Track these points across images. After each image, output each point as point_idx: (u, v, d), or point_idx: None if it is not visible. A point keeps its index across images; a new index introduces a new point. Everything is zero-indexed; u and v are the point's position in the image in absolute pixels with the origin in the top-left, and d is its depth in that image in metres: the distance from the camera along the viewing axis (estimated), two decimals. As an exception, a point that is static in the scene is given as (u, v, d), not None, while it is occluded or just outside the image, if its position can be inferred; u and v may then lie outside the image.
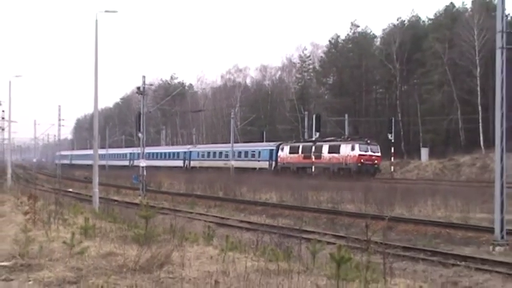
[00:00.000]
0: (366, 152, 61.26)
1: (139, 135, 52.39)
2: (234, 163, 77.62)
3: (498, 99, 22.30)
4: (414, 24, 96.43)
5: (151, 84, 67.96)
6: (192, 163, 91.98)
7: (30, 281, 10.01)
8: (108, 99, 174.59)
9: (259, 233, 17.71)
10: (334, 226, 25.38)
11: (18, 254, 11.99)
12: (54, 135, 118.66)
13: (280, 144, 75.07)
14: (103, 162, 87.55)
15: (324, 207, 34.04)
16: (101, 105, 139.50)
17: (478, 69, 73.00)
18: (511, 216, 24.03)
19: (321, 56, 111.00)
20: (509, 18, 71.27)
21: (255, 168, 74.37)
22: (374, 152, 62.11)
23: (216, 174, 65.28)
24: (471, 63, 74.56)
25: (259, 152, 78.49)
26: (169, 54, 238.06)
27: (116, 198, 40.88)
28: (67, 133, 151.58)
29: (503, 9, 22.58)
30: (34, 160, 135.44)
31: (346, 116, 79.70)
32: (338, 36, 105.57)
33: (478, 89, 73.00)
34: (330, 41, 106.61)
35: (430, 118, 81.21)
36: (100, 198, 33.14)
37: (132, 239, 14.38)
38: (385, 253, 10.88)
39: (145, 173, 47.23)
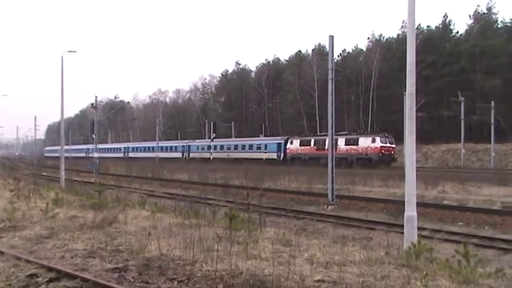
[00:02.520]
0: (385, 144, 50.57)
1: (93, 136, 52.40)
2: (243, 154, 63.53)
3: (329, 112, 23.12)
4: (276, 62, 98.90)
5: (101, 101, 66.91)
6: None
7: (16, 237, 9.67)
8: (70, 111, 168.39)
9: (176, 200, 17.59)
10: (226, 195, 25.36)
11: (6, 218, 11.58)
12: (32, 136, 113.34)
13: (288, 138, 61.47)
14: (67, 155, 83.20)
15: (219, 183, 34.00)
16: (66, 115, 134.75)
17: (316, 93, 75.09)
18: (338, 186, 25.01)
19: (216, 83, 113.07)
20: (335, 60, 74.24)
21: (261, 159, 60.26)
22: (391, 144, 51.37)
23: (147, 162, 64.49)
24: (312, 89, 76.62)
25: (266, 145, 63.47)
26: (113, 79, 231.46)
27: (76, 179, 39.21)
28: (41, 134, 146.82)
29: (333, 54, 23.43)
30: (16, 154, 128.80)
31: (233, 123, 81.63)
32: (227, 70, 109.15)
33: (316, 105, 75.11)
34: (222, 73, 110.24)
35: (287, 124, 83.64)
36: (66, 179, 32.08)
37: (89, 207, 14.07)
38: (260, 212, 11.04)
39: (97, 161, 45.93)
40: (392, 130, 53.16)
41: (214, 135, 71.09)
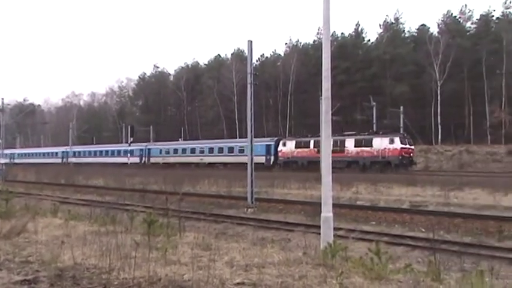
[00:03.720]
0: (405, 145, 44.33)
1: (-1, 141, 48.58)
2: (221, 159, 56.63)
3: (249, 116, 23.34)
4: (195, 66, 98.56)
5: (8, 104, 62.29)
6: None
7: None
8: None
9: (92, 206, 16.94)
10: (144, 200, 24.81)
11: None
12: None
13: (278, 139, 54.29)
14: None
15: (137, 188, 33.21)
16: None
17: (236, 97, 75.63)
18: (257, 189, 25.29)
19: (134, 86, 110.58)
20: (254, 64, 75.18)
21: (245, 164, 55.25)
22: (410, 145, 45.65)
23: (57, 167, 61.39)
24: (231, 93, 77.11)
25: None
26: (22, 81, 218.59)
27: (-20, 187, 36.58)
28: None
29: (251, 59, 23.69)
30: None
31: (151, 127, 79.97)
32: (145, 73, 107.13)
33: (236, 109, 75.62)
34: (139, 76, 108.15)
35: (207, 128, 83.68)
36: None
37: (-5, 216, 13.09)
38: (179, 216, 10.90)
39: (3, 168, 43.21)
40: (309, 133, 54.67)
41: (131, 139, 69.29)
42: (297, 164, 48.97)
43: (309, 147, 48.91)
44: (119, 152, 73.11)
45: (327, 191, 10.66)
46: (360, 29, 79.62)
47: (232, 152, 55.77)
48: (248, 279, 6.13)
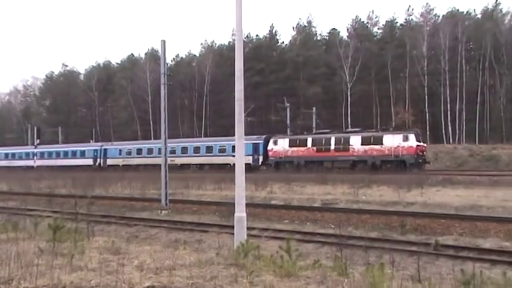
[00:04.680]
0: (420, 142, 40.78)
1: None
2: (197, 159, 51.51)
3: (162, 117, 23.04)
4: (107, 65, 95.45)
5: None
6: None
7: None
8: None
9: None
10: (51, 205, 23.65)
11: None
12: None
13: (268, 137, 48.57)
14: None
15: (44, 192, 31.61)
16: None
17: (150, 97, 74.22)
18: (172, 190, 25.02)
19: (40, 86, 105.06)
20: (168, 65, 74.24)
21: (227, 165, 45.87)
22: (423, 142, 42.49)
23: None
24: (145, 93, 75.56)
25: (233, 147, 49.65)
26: None
27: None
28: None
29: (165, 59, 23.41)
30: None
31: (60, 128, 76.79)
32: (52, 72, 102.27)
33: (150, 110, 74.20)
34: (46, 75, 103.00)
35: (120, 129, 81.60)
36: None
37: None
38: (88, 220, 10.56)
39: None
40: (225, 134, 54.76)
41: (38, 141, 65.64)
42: (291, 164, 44.60)
43: (306, 145, 44.64)
44: (73, 153, 64.47)
45: (240, 191, 10.80)
46: (274, 31, 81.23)
47: (211, 152, 50.79)
48: (158, 282, 6.07)
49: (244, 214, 10.55)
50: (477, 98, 59.52)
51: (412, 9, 73.10)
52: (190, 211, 21.79)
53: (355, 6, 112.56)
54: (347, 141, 42.19)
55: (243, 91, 11.22)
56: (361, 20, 74.47)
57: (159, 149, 52.05)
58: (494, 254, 11.60)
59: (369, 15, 74.82)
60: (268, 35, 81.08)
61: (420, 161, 39.74)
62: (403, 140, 39.68)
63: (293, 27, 79.66)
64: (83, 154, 62.50)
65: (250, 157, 46.25)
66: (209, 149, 51.20)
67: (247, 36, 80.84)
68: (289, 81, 70.99)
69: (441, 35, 59.92)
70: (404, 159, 39.20)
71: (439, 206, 20.58)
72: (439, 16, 68.19)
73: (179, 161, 50.30)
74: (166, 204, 22.10)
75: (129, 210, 22.74)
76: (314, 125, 57.27)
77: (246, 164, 32.96)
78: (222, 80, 70.10)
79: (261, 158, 47.17)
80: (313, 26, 78.33)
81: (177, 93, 74.58)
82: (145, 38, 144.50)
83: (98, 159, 60.64)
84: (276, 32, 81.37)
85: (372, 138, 41.42)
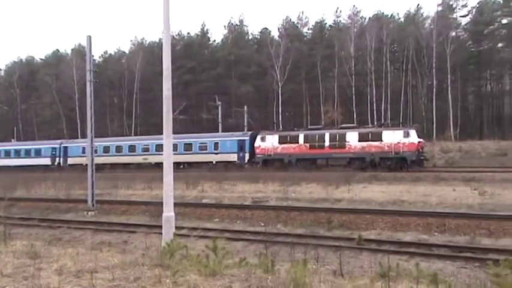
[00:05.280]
0: (420, 138, 38.97)
1: None
2: (175, 157, 47.59)
3: (88, 115, 22.34)
4: (30, 61, 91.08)
5: None
6: None
7: None
8: None
9: None
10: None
11: None
12: None
13: (255, 134, 45.58)
14: None
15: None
16: None
17: (77, 95, 71.68)
18: (100, 191, 24.33)
19: None
20: (96, 61, 72.19)
21: (210, 163, 45.15)
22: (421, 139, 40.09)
23: None
24: (72, 91, 72.86)
25: (218, 144, 46.20)
26: None
27: None
28: None
29: (91, 55, 22.72)
30: None
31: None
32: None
33: (77, 108, 71.66)
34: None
35: (44, 127, 78.39)
36: None
37: None
38: (4, 223, 10.06)
39: None
40: (155, 133, 53.86)
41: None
42: (281, 161, 42.33)
43: (297, 142, 42.17)
44: (26, 152, 58.07)
45: (168, 190, 10.73)
46: (205, 30, 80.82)
47: (190, 150, 47.18)
48: (78, 286, 5.90)
49: (173, 213, 10.48)
50: (401, 98, 62.21)
51: (340, 11, 75.44)
52: (118, 212, 21.31)
53: (286, 6, 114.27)
54: (343, 137, 40.30)
55: (171, 90, 11.12)
56: (292, 21, 75.68)
57: (130, 147, 50.18)
58: (413, 247, 12.20)
59: (299, 16, 76.26)
60: (199, 33, 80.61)
61: (422, 158, 38.69)
62: (404, 136, 38.12)
63: (225, 26, 79.73)
64: (38, 153, 57.02)
65: (235, 154, 45.07)
66: (188, 147, 47.34)
67: (178, 34, 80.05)
68: (221, 79, 70.95)
69: (367, 36, 62.01)
70: (405, 156, 37.78)
71: (364, 202, 21.32)
72: (365, 18, 70.62)
73: (153, 159, 47.19)
74: (92, 205, 21.47)
75: (53, 212, 21.95)
76: (246, 124, 57.61)
77: (230, 162, 39.14)
78: (152, 78, 68.86)
79: (247, 156, 44.70)
80: (245, 25, 78.78)
81: (106, 91, 72.59)
82: (72, 33, 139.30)
83: (57, 159, 55.33)
84: (207, 30, 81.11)
85: (370, 134, 39.81)
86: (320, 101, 65.25)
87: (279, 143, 42.78)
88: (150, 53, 76.22)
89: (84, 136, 59.97)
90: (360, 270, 9.57)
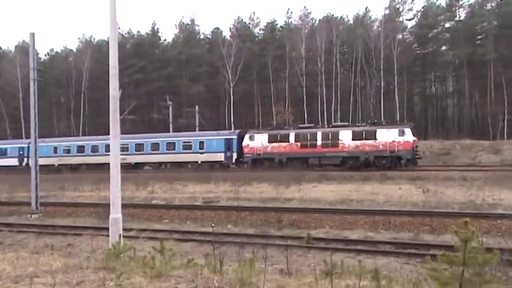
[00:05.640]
0: (415, 137, 38.38)
1: None
2: (155, 157, 45.68)
3: (32, 113, 21.64)
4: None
5: None
6: None
7: None
8: None
9: None
10: None
11: None
12: None
13: (243, 132, 43.93)
14: None
15: None
16: None
17: (21, 94, 69.02)
18: (45, 193, 23.60)
19: None
20: (42, 59, 69.88)
21: (195, 163, 43.58)
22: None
23: None
24: (15, 89, 70.07)
25: (203, 143, 43.87)
26: None
27: None
28: None
29: (34, 53, 22.02)
30: None
31: None
32: None
33: (21, 107, 68.98)
34: None
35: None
36: None
37: None
38: None
39: None
40: (104, 133, 52.57)
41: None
42: (272, 161, 40.94)
43: (288, 141, 40.80)
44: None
45: (115, 191, 10.58)
46: (156, 28, 79.75)
47: (173, 149, 44.95)
48: (17, 291, 5.71)
49: (120, 215, 10.33)
50: (350, 98, 63.48)
51: (291, 12, 76.03)
52: (63, 214, 20.77)
53: (237, 7, 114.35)
54: (336, 136, 39.29)
55: (118, 89, 10.97)
56: (243, 21, 75.80)
57: (106, 146, 43.85)
58: (360, 244, 12.49)
59: (250, 16, 76.47)
60: (150, 32, 79.47)
61: (416, 156, 38.26)
62: (399, 135, 37.46)
63: (176, 25, 78.88)
64: (3, 153, 53.07)
65: (222, 154, 43.20)
66: (170, 146, 45.27)
67: (128, 32, 78.68)
68: (172, 79, 70.19)
69: (318, 38, 62.84)
70: (400, 154, 37.14)
71: (314, 201, 21.66)
72: (316, 20, 71.60)
73: (132, 159, 44.59)
74: (36, 208, 20.79)
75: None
76: (197, 123, 57.25)
77: (217, 162, 37.95)
78: (101, 77, 67.22)
79: (234, 155, 42.93)
80: (197, 25, 78.23)
81: (53, 90, 70.48)
82: (16, 30, 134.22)
83: (25, 159, 50.53)
84: (158, 29, 79.98)
85: (364, 133, 38.76)
86: (272, 101, 65.69)
87: (268, 142, 41.59)
88: (98, 51, 74.41)
89: (28, 136, 57.90)
90: (308, 269, 9.71)
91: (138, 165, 44.90)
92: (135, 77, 68.79)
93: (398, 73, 61.22)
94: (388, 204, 19.87)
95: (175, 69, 70.79)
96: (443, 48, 67.38)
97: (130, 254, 8.02)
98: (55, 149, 50.66)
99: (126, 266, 7.06)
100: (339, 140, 38.89)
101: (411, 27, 68.85)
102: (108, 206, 15.45)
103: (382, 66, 60.28)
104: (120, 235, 9.16)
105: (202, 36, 78.53)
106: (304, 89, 62.56)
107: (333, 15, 71.80)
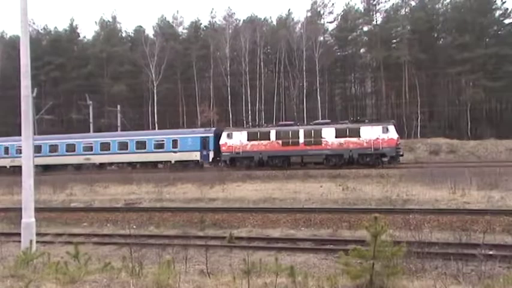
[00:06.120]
0: (397, 134, 38.20)
1: None
2: (123, 157, 42.75)
3: None
4: None
5: None
6: None
7: None
8: None
9: None
10: None
11: None
12: None
13: (219, 130, 42.43)
14: None
15: None
16: None
17: None
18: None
19: None
20: None
21: (168, 162, 41.91)
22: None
23: None
24: None
25: (176, 141, 41.84)
26: None
27: None
28: None
29: None
30: None
31: None
32: None
33: None
34: None
35: None
36: None
37: None
38: None
39: None
40: (17, 133, 49.59)
41: None
42: (251, 160, 39.83)
43: (269, 139, 39.81)
44: None
45: (28, 195, 10.15)
46: (74, 25, 76.78)
47: (144, 148, 42.58)
48: None
49: (33, 219, 9.95)
50: (274, 99, 64.45)
51: (215, 12, 76.01)
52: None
53: (161, 5, 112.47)
54: (319, 133, 38.81)
55: (30, 87, 10.48)
56: (167, 20, 74.84)
57: (67, 146, 43.10)
58: (281, 242, 12.72)
59: (174, 15, 75.59)
60: (68, 28, 76.38)
61: (400, 153, 38.37)
62: (383, 132, 37.44)
63: (96, 22, 76.50)
64: None
65: (198, 153, 41.34)
66: (140, 145, 42.98)
67: (44, 28, 75.29)
68: (92, 77, 67.90)
69: (242, 38, 63.31)
70: (384, 152, 37.09)
71: (238, 201, 21.80)
72: (240, 20, 72.05)
73: (97, 159, 43.12)
74: None
75: None
76: (119, 123, 55.82)
77: (193, 161, 37.30)
78: (14, 74, 63.82)
79: (211, 154, 41.27)
80: (118, 22, 76.18)
81: (-40, 88, 66.00)
82: None
83: None
84: (76, 25, 77.11)
85: (347, 130, 38.32)
86: (196, 100, 65.28)
87: (248, 140, 40.41)
88: (12, 47, 70.33)
89: None
90: (229, 268, 9.75)
91: (104, 166, 43.32)
92: (52, 75, 65.99)
93: (320, 74, 62.98)
94: (310, 202, 20.39)
95: (95, 68, 68.56)
96: (362, 50, 70.16)
97: (44, 260, 7.70)
98: (6, 149, 46.60)
99: (37, 273, 6.76)
100: (321, 137, 38.56)
101: (332, 30, 71.08)
102: (21, 210, 14.75)
103: (304, 67, 61.72)
104: (31, 241, 8.72)
105: (124, 34, 76.62)
106: (228, 88, 62.82)
107: (256, 16, 72.61)
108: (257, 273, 6.81)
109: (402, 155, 39.06)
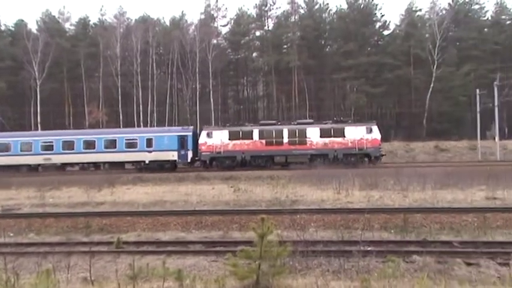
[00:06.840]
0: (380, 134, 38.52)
1: None
2: (92, 157, 38.85)
3: None
4: None
5: None
6: None
7: None
8: None
9: None
10: None
11: None
12: None
13: (195, 129, 40.92)
14: None
15: None
16: None
17: None
18: None
19: None
20: None
21: (141, 163, 38.87)
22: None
23: None
24: None
25: (151, 140, 39.04)
26: None
27: None
28: None
29: None
30: None
31: None
32: None
33: None
34: None
35: None
36: None
37: None
38: None
39: None
40: None
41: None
42: (233, 160, 38.65)
43: (251, 138, 38.84)
44: None
45: None
46: None
47: (114, 147, 39.41)
48: None
49: None
50: (167, 100, 63.51)
51: (105, 10, 73.25)
52: None
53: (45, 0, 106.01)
54: (303, 133, 38.61)
55: None
56: (52, 14, 70.78)
57: (23, 144, 39.06)
58: (171, 246, 12.52)
59: (60, 10, 71.72)
60: None
61: (383, 154, 39.35)
62: (367, 132, 38.10)
63: (-29, 13, 70.29)
64: None
65: (175, 152, 39.15)
66: (110, 144, 39.76)
67: None
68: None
69: (133, 38, 61.64)
70: (368, 152, 37.77)
71: (128, 204, 21.19)
72: (131, 20, 70.12)
73: (58, 159, 39.33)
74: None
75: None
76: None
77: (171, 162, 36.68)
78: None
79: (190, 154, 39.38)
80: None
81: None
82: None
83: None
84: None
85: (332, 130, 38.51)
86: (84, 101, 62.42)
87: (229, 139, 39.16)
88: None
89: None
90: (115, 275, 9.38)
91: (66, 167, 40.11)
92: None
93: (213, 76, 63.20)
94: (202, 204, 20.33)
95: (-31, 63, 63.01)
96: (254, 54, 71.66)
97: None
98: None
99: None
100: (306, 137, 38.58)
101: (225, 33, 71.68)
102: None
103: (197, 69, 61.60)
104: None
105: (3, 28, 71.22)
106: (119, 89, 60.85)
107: (149, 16, 71.26)
108: (144, 279, 6.62)
109: (384, 155, 40.23)
